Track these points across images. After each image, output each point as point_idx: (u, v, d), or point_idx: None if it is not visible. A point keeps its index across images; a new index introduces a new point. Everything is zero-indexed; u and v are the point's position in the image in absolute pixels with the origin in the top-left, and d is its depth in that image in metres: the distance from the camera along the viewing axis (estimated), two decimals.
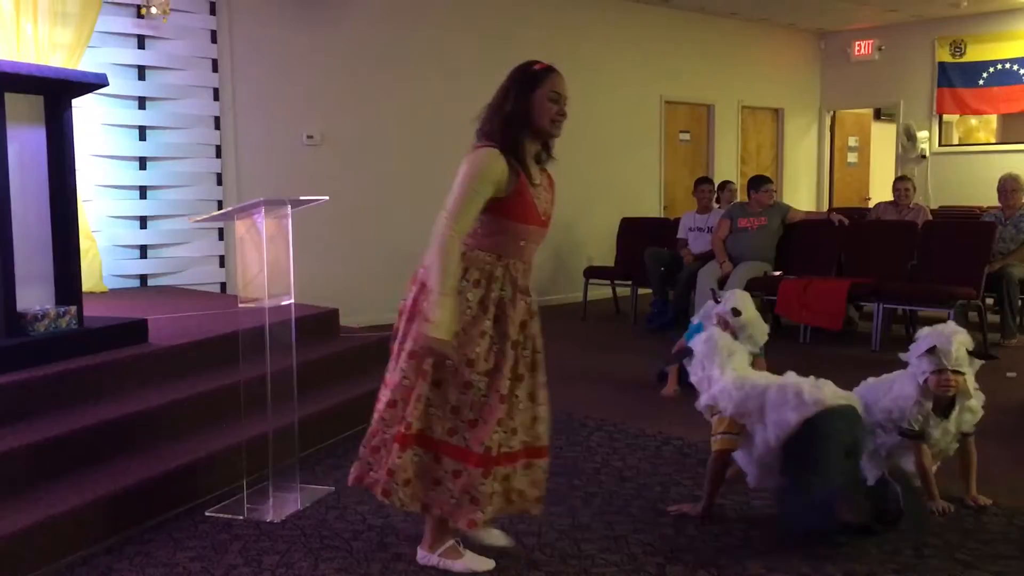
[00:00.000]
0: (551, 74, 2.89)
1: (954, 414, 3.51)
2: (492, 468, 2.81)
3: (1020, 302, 7.23)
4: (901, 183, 8.00)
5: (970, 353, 3.51)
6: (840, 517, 3.10)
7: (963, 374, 3.46)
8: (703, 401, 3.52)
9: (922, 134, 11.43)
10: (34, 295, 3.98)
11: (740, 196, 9.24)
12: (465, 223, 2.77)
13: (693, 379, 3.62)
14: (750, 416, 3.37)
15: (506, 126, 2.83)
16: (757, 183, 7.76)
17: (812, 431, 3.22)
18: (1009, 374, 5.78)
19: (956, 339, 3.46)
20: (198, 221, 4.02)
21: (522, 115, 2.84)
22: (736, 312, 4.44)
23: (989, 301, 7.12)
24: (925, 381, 3.45)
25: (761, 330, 4.53)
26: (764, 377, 3.51)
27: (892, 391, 3.56)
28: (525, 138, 2.87)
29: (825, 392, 3.33)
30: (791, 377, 3.43)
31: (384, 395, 2.95)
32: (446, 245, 2.74)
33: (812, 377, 3.44)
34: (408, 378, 2.86)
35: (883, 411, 3.57)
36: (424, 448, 2.85)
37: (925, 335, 3.51)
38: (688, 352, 3.64)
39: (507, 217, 2.83)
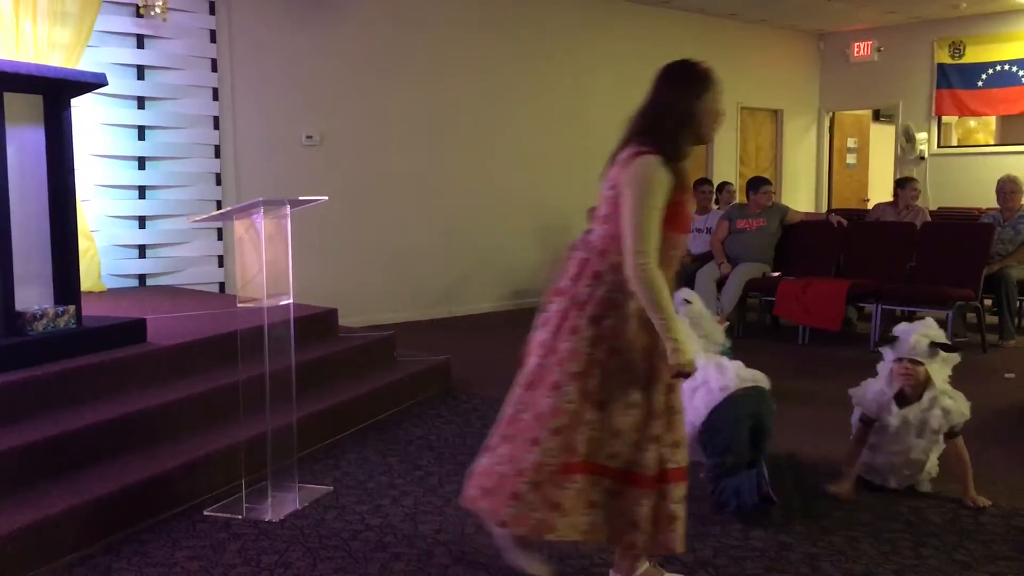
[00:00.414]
0: (716, 75, 2.69)
1: (918, 407, 3.58)
2: (656, 487, 2.67)
3: (1018, 303, 7.24)
4: (911, 184, 7.94)
5: (940, 347, 3.59)
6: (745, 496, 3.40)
7: (920, 364, 3.56)
8: None
9: (921, 135, 11.44)
10: (32, 294, 3.98)
11: (739, 197, 9.25)
12: (653, 243, 2.54)
13: None
14: None
15: (675, 131, 2.63)
16: (756, 184, 7.76)
17: (720, 417, 3.54)
18: (1007, 375, 5.79)
19: (917, 330, 3.60)
20: (197, 221, 4.02)
21: (691, 119, 2.64)
22: (686, 301, 4.55)
23: (988, 302, 7.13)
24: (890, 371, 3.63)
25: (715, 330, 4.60)
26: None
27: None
28: (688, 144, 2.67)
29: (729, 378, 3.61)
30: (701, 359, 3.59)
31: (540, 424, 2.65)
32: (648, 278, 2.52)
33: (722, 360, 3.76)
34: (574, 402, 2.62)
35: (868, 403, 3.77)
36: (588, 474, 2.64)
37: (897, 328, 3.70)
38: None
39: (663, 228, 2.60)
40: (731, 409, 3.54)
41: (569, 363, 2.63)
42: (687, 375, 2.60)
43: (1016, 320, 7.20)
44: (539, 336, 2.75)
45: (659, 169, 2.56)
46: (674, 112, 2.63)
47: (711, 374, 3.64)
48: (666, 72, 2.71)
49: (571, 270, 2.71)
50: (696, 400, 3.60)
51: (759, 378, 3.70)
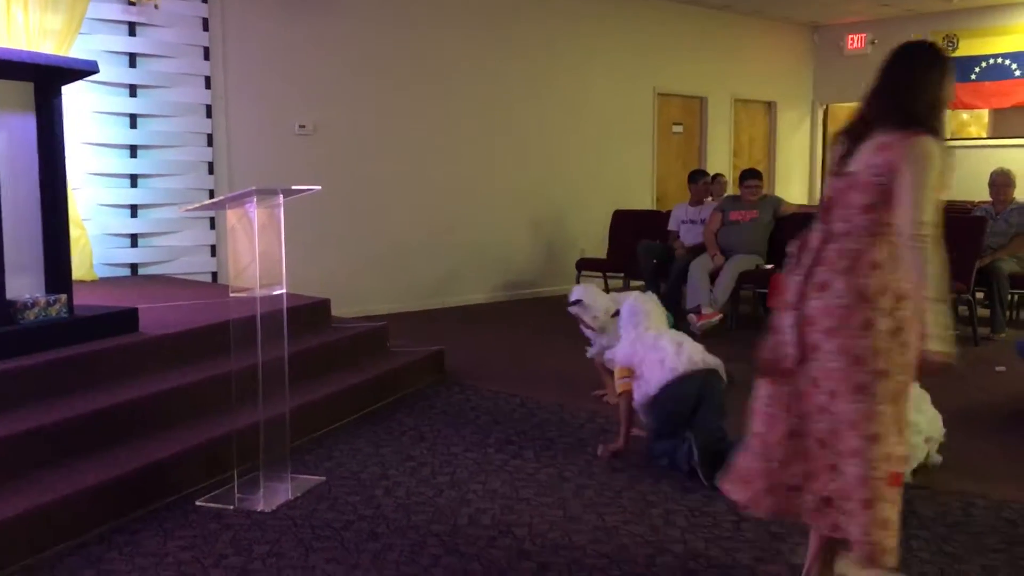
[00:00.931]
0: (952, 61, 2.65)
1: None
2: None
3: (1010, 296, 7.25)
4: None
5: None
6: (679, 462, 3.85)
7: None
8: (606, 355, 4.61)
9: None
10: (24, 283, 3.96)
11: (732, 189, 9.26)
12: (932, 219, 2.43)
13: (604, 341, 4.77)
14: (637, 366, 4.09)
15: (927, 112, 2.53)
16: (742, 177, 7.79)
17: (666, 394, 3.94)
18: (998, 368, 5.80)
19: None
20: (189, 210, 4.00)
21: (936, 101, 2.56)
22: (575, 302, 4.96)
23: (980, 295, 7.15)
24: None
25: (609, 323, 4.94)
26: (655, 335, 4.12)
27: None
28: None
29: (682, 360, 3.97)
30: (666, 338, 4.10)
31: (856, 432, 2.47)
32: (926, 254, 2.39)
33: (684, 341, 4.10)
34: (883, 403, 2.46)
35: None
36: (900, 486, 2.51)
37: None
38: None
39: None
40: (677, 388, 3.94)
41: (872, 361, 2.46)
42: (941, 368, 2.42)
43: (1008, 313, 7.22)
44: (810, 337, 2.55)
45: (937, 149, 2.48)
46: (922, 93, 2.55)
47: (668, 352, 4.01)
48: (908, 53, 2.62)
49: (839, 263, 2.53)
50: (652, 376, 3.99)
51: (710, 362, 4.03)
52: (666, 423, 3.96)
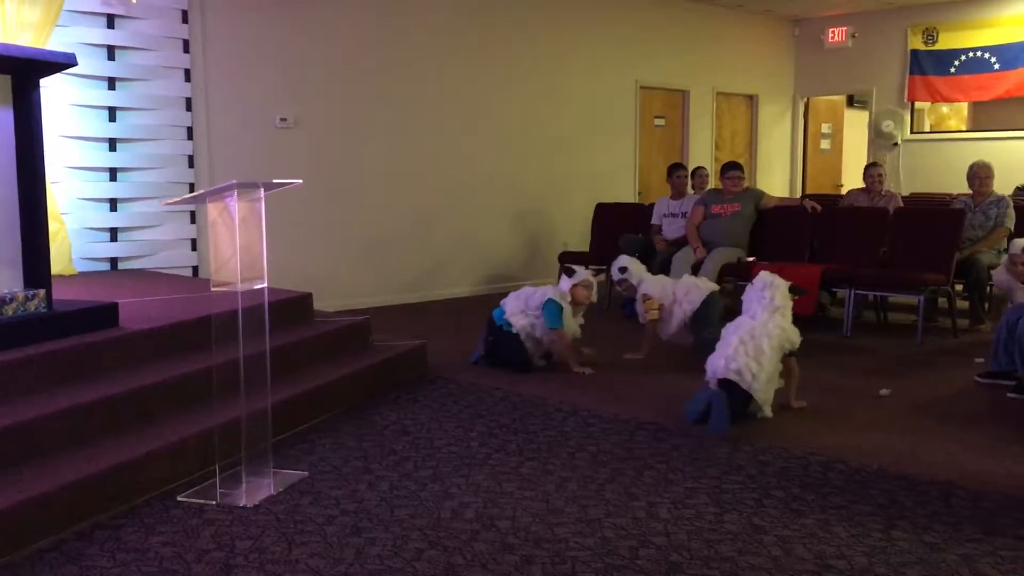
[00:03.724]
0: None
1: None
2: None
3: (989, 288, 7.31)
4: (873, 169, 8.02)
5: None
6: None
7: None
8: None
9: (888, 122, 11.53)
10: (2, 278, 3.93)
11: (714, 182, 9.29)
12: None
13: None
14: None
15: None
16: (723, 170, 7.82)
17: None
18: (977, 360, 5.84)
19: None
20: (170, 204, 3.97)
21: None
22: (623, 269, 6.09)
23: (958, 288, 7.20)
24: None
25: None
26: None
27: None
28: None
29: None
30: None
31: None
32: None
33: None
34: None
35: None
36: None
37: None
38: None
39: None
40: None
41: None
42: None
43: (987, 305, 7.28)
44: None
45: None
46: None
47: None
48: None
49: None
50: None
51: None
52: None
